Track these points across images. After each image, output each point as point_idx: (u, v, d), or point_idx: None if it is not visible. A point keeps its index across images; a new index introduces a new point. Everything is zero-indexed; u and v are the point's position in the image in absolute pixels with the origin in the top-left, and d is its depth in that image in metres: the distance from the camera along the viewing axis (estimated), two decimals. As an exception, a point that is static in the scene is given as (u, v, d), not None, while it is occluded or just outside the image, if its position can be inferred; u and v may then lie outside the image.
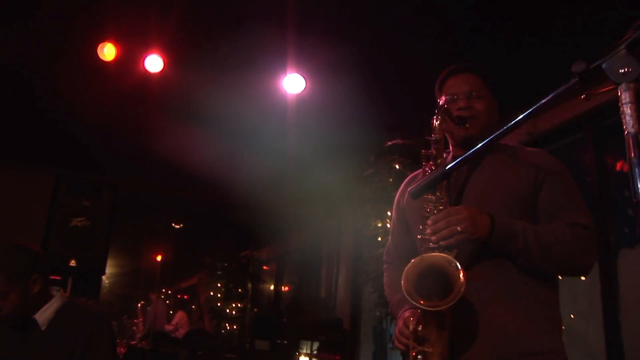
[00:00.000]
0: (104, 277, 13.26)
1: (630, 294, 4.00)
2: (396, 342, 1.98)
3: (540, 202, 1.98)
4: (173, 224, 10.38)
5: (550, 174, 1.99)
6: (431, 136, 2.03)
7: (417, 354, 1.79)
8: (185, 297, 14.53)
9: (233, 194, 8.03)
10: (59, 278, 4.56)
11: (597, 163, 4.32)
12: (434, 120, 2.04)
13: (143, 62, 5.03)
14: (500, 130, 1.41)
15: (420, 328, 1.82)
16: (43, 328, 2.54)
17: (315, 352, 6.72)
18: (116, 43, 4.91)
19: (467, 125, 2.10)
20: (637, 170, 1.08)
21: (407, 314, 1.95)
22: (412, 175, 2.34)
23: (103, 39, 4.86)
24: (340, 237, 8.02)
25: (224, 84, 5.29)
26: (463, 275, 1.73)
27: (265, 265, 10.86)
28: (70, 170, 6.18)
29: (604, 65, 1.21)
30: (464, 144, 2.16)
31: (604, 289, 4.14)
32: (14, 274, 2.48)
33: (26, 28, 4.76)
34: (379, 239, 5.03)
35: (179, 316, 10.99)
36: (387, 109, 5.12)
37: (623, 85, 1.17)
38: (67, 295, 2.73)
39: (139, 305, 9.84)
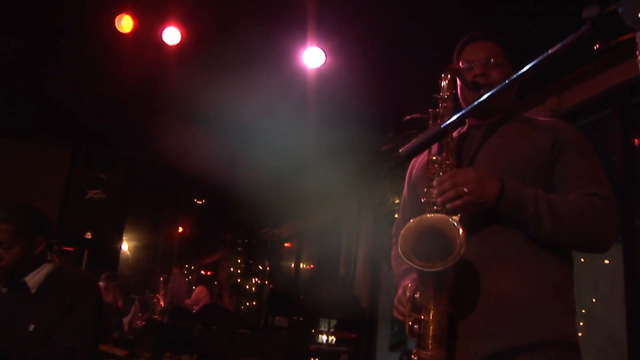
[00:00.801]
0: (125, 251, 13.49)
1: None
2: (394, 312, 1.87)
3: (557, 172, 1.86)
4: (195, 200, 10.38)
5: (569, 143, 1.87)
6: (439, 94, 1.93)
7: (413, 323, 1.68)
8: (209, 273, 14.60)
9: (252, 173, 8.02)
10: (72, 249, 4.56)
11: (624, 142, 4.14)
12: (442, 80, 1.94)
13: (161, 34, 4.99)
14: (502, 84, 1.26)
15: (417, 295, 1.70)
16: (33, 291, 2.55)
17: (332, 330, 6.67)
18: (133, 15, 4.87)
19: (482, 92, 1.98)
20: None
21: (407, 281, 1.84)
22: None
23: (120, 10, 4.82)
24: (361, 215, 7.91)
25: (243, 57, 5.23)
26: (464, 238, 1.62)
27: (287, 243, 10.82)
28: (87, 143, 6.17)
29: (620, 9, 1.03)
30: (479, 113, 2.07)
31: (627, 273, 3.98)
32: (23, 229, 2.53)
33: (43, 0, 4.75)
34: (396, 215, 4.92)
35: (199, 290, 11.02)
36: (407, 84, 5.01)
37: (642, 29, 0.98)
38: (59, 262, 2.75)
39: (161, 279, 9.88)
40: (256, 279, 9.61)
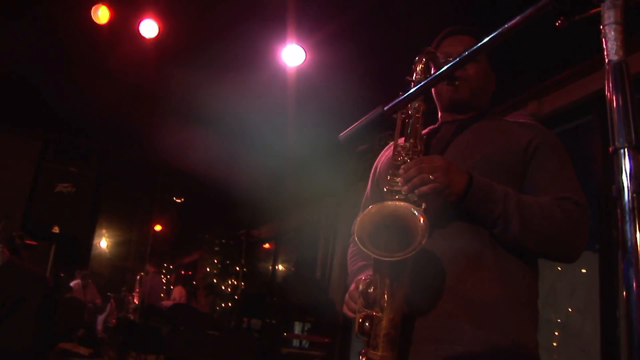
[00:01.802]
0: (101, 247, 13.30)
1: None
2: (344, 308, 1.73)
3: (530, 173, 1.76)
4: (174, 198, 10.24)
5: (543, 145, 1.78)
6: (412, 77, 1.82)
7: (363, 320, 1.54)
8: (189, 272, 14.46)
9: (231, 172, 7.91)
10: (35, 243, 4.42)
11: (604, 149, 4.06)
12: (417, 64, 1.83)
13: (138, 26, 4.88)
14: (458, 58, 1.14)
15: (371, 290, 1.57)
16: None
17: (305, 333, 6.56)
18: (110, 6, 4.76)
19: (456, 84, 1.90)
20: (618, 108, 0.83)
21: (361, 276, 1.71)
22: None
23: (97, 1, 4.71)
24: (338, 217, 7.80)
25: (222, 52, 5.13)
26: (426, 228, 1.48)
27: (265, 244, 10.71)
28: (59, 134, 6.04)
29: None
30: (452, 107, 1.99)
31: (602, 283, 3.90)
32: None
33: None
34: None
35: (178, 291, 10.89)
36: (384, 83, 4.93)
37: (607, 2, 0.91)
38: (9, 255, 2.64)
39: (138, 277, 9.73)
40: (232, 280, 9.48)
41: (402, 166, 1.67)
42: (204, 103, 5.67)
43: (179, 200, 10.29)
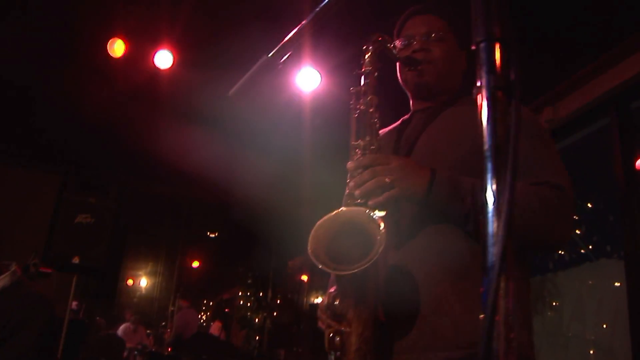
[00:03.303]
0: (143, 283, 13.41)
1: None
2: (319, 323, 1.61)
3: None
4: (208, 233, 10.29)
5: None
6: (361, 70, 1.72)
7: (333, 335, 1.44)
8: (225, 310, 14.43)
9: (264, 203, 7.90)
10: (49, 271, 4.46)
11: (623, 153, 3.85)
12: (364, 53, 1.73)
13: (152, 58, 4.95)
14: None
15: (337, 303, 1.48)
16: None
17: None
18: (125, 39, 4.84)
19: (420, 68, 1.79)
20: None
21: (332, 288, 1.61)
22: None
23: (112, 35, 4.80)
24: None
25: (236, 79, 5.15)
26: (384, 234, 1.37)
27: (300, 275, 10.61)
28: (78, 168, 6.13)
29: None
30: (420, 93, 1.89)
31: (630, 291, 3.65)
32: None
33: (35, 23, 4.75)
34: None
35: (216, 326, 10.83)
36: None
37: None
38: (19, 275, 2.60)
39: (171, 311, 9.73)
40: (264, 313, 9.40)
41: (354, 163, 1.57)
42: (218, 128, 5.69)
43: (212, 235, 10.33)
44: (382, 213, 1.47)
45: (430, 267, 1.53)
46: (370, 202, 1.49)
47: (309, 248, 1.43)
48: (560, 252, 4.55)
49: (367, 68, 1.72)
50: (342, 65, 4.74)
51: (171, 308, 9.36)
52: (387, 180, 1.47)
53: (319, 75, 5.03)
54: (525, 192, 1.48)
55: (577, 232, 4.48)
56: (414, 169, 1.52)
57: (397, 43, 1.88)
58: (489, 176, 0.62)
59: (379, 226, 1.40)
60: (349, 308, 1.44)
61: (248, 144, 5.86)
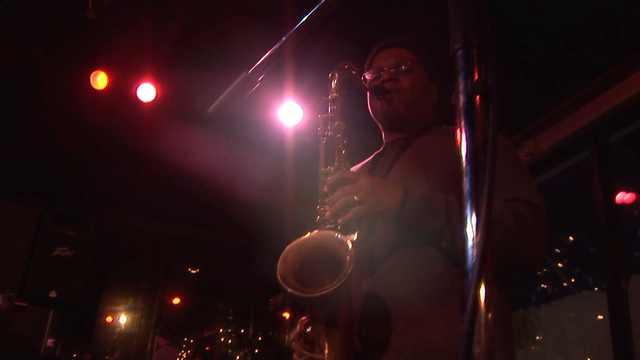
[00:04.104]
0: (122, 320, 13.13)
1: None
2: (294, 355, 1.58)
3: None
4: (189, 269, 10.17)
5: None
6: (328, 97, 1.73)
7: None
8: (206, 348, 14.16)
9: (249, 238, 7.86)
10: (24, 304, 4.34)
11: (603, 185, 3.88)
12: (331, 80, 1.75)
13: (135, 90, 4.94)
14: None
15: (309, 330, 1.45)
16: None
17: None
18: (108, 72, 4.83)
19: (388, 96, 1.81)
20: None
21: (304, 317, 1.59)
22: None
23: (95, 67, 4.79)
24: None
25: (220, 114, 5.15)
26: (353, 256, 1.35)
27: (282, 312, 10.48)
28: (58, 202, 6.06)
29: None
30: (390, 123, 1.90)
31: (613, 325, 3.64)
32: None
33: (17, 53, 4.75)
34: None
35: (196, 365, 10.60)
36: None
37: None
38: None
39: (148, 350, 9.54)
40: (245, 349, 9.25)
41: (326, 183, 1.58)
42: (204, 166, 5.68)
43: (193, 272, 10.20)
44: (354, 236, 1.46)
45: (406, 292, 1.51)
46: (339, 221, 1.48)
47: (277, 272, 1.41)
48: (542, 285, 4.55)
49: (334, 95, 1.74)
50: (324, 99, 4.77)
51: (150, 345, 9.18)
52: (355, 197, 1.47)
53: (301, 110, 5.04)
54: (499, 209, 1.47)
55: (559, 265, 4.48)
56: (384, 187, 1.53)
57: (368, 75, 1.91)
58: (467, 179, 0.61)
59: (348, 247, 1.39)
60: (321, 334, 1.41)
61: (232, 176, 5.84)
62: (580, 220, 4.39)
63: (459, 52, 0.67)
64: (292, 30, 1.07)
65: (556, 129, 4.14)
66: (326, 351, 1.39)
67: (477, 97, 0.64)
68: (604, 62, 3.66)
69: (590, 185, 3.98)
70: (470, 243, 0.56)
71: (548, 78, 3.86)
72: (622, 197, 3.87)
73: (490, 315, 0.56)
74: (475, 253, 0.55)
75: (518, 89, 3.77)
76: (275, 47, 1.13)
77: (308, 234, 1.51)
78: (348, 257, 1.37)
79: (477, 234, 0.56)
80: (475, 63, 0.66)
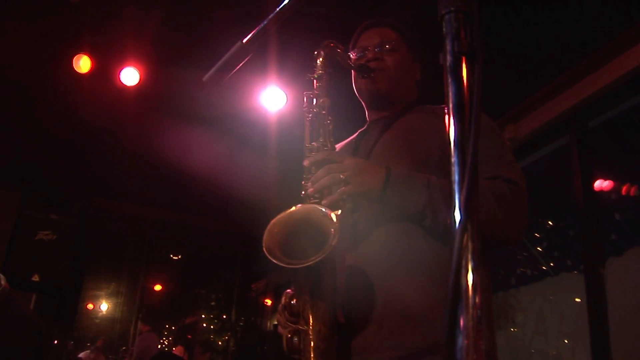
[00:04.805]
0: (104, 307, 13.11)
1: (620, 310, 3.58)
2: (279, 328, 1.61)
3: None
4: (171, 255, 10.17)
5: None
6: (313, 75, 1.76)
7: (292, 336, 1.44)
8: (188, 336, 14.16)
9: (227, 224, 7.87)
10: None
11: (583, 169, 3.96)
12: (316, 58, 1.78)
13: (119, 75, 4.92)
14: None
15: (294, 302, 1.48)
16: None
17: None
18: (91, 55, 4.81)
19: (372, 75, 1.85)
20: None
21: (289, 290, 1.62)
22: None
23: (78, 51, 4.77)
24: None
25: (203, 98, 5.15)
26: (337, 229, 1.39)
27: (263, 298, 10.53)
28: (42, 185, 6.04)
29: None
30: (374, 102, 1.94)
31: (590, 306, 3.72)
32: None
33: None
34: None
35: (178, 351, 10.62)
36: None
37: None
38: (8, 291, 2.41)
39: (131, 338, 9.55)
40: (227, 335, 9.29)
41: (309, 159, 1.61)
42: (187, 151, 5.69)
43: (176, 258, 10.21)
44: (338, 211, 1.50)
45: (389, 266, 1.55)
46: (324, 201, 1.52)
47: (263, 244, 1.44)
48: (522, 269, 4.63)
49: (319, 72, 1.78)
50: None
51: (133, 331, 9.19)
52: (341, 176, 1.51)
53: (285, 95, 5.05)
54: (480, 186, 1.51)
55: (539, 249, 4.56)
56: (368, 167, 1.56)
57: (352, 55, 1.95)
58: (452, 130, 0.65)
59: (332, 220, 1.43)
60: (305, 305, 1.45)
61: (215, 164, 5.84)
62: (559, 204, 4.48)
63: (447, 17, 0.71)
64: (285, 2, 1.10)
65: (536, 114, 4.21)
66: (310, 322, 1.43)
67: (463, 57, 0.69)
68: (583, 48, 3.72)
69: (569, 171, 4.06)
70: (456, 187, 0.60)
71: (529, 64, 3.92)
72: (600, 184, 3.95)
73: (477, 299, 0.59)
74: (462, 198, 0.58)
75: (499, 75, 3.83)
76: (270, 17, 1.15)
77: (293, 208, 1.55)
78: (332, 230, 1.41)
79: (462, 181, 0.59)
80: (461, 26, 0.70)
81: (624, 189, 3.92)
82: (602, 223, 3.82)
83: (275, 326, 7.12)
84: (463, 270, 0.61)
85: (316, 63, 1.78)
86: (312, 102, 1.75)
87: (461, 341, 0.59)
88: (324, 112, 1.73)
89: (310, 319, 1.43)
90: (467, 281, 0.61)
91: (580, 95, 3.86)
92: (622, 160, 4.18)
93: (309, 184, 1.59)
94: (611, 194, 3.93)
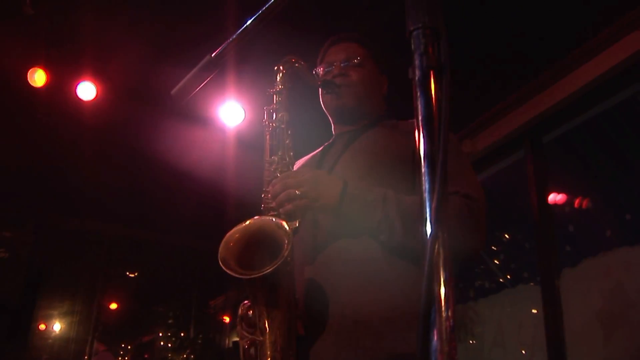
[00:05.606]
0: (57, 327, 12.69)
1: (576, 320, 3.67)
2: (239, 340, 1.60)
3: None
4: (127, 273, 9.98)
5: None
6: (273, 89, 1.79)
7: (249, 347, 1.45)
8: (145, 355, 13.90)
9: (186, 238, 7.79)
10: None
11: (538, 183, 4.06)
12: (276, 73, 1.81)
13: (75, 89, 4.84)
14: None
15: (250, 313, 1.48)
16: None
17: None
18: (47, 69, 4.72)
19: (337, 91, 1.88)
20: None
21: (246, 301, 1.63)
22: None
23: (33, 64, 4.67)
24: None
25: (161, 112, 5.10)
26: (291, 240, 1.43)
27: (222, 315, 10.41)
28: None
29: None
30: (340, 116, 1.97)
31: (547, 316, 3.81)
32: None
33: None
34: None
35: (135, 371, 10.43)
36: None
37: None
38: None
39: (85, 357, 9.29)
40: (185, 354, 9.14)
41: (272, 181, 1.63)
42: (144, 167, 5.62)
43: (132, 275, 10.02)
44: (296, 224, 1.54)
45: (348, 278, 1.57)
46: (281, 210, 1.56)
47: (218, 256, 1.46)
48: (480, 281, 4.71)
49: (279, 87, 1.80)
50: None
51: (88, 350, 8.98)
52: (296, 192, 1.53)
53: (243, 110, 5.03)
54: None
55: (496, 261, 4.65)
56: (326, 181, 1.58)
57: (320, 69, 1.96)
58: (421, 142, 0.67)
59: (286, 231, 1.46)
60: (261, 316, 1.46)
61: (172, 177, 5.79)
62: (515, 218, 4.57)
63: (415, 33, 0.73)
64: (257, 14, 1.11)
65: (493, 129, 4.30)
66: (267, 332, 1.44)
67: (432, 71, 0.71)
68: (537, 65, 3.83)
69: (524, 184, 4.15)
70: (427, 196, 0.61)
71: (484, 81, 4.01)
72: (554, 197, 4.05)
73: (450, 312, 0.60)
74: (433, 205, 0.59)
75: (456, 92, 3.90)
76: (239, 31, 1.16)
77: (249, 220, 1.57)
78: (286, 240, 1.43)
79: (433, 190, 0.61)
80: (429, 42, 0.72)
81: (576, 202, 4.03)
82: (557, 235, 3.91)
83: (235, 343, 7.06)
84: (435, 280, 0.62)
85: (276, 78, 1.80)
86: (272, 116, 1.76)
87: (435, 354, 0.60)
88: (283, 126, 1.75)
89: (267, 329, 1.44)
90: (439, 292, 0.62)
91: (534, 111, 3.96)
92: (575, 174, 4.31)
93: (269, 196, 1.60)
94: (565, 207, 4.04)
